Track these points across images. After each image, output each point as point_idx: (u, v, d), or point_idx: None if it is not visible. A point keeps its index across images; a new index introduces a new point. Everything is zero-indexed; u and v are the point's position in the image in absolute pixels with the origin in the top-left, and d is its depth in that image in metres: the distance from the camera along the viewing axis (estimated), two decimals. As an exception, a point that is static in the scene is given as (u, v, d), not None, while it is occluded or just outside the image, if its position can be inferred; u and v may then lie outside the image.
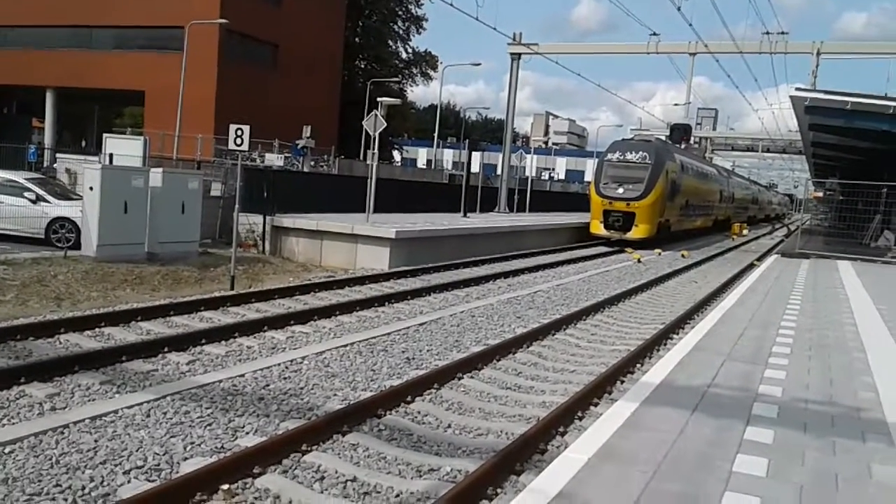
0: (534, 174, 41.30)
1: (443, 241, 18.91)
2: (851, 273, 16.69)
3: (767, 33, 30.64)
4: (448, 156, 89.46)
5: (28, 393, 6.52)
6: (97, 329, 9.07)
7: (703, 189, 35.11)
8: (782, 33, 31.06)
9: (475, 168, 31.39)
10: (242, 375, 7.54)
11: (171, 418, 6.19)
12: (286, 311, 10.80)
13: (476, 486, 4.94)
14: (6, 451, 5.31)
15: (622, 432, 4.78)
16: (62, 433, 5.69)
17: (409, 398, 7.05)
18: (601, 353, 9.67)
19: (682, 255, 24.75)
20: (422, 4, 61.44)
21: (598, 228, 26.96)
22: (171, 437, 5.80)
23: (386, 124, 19.41)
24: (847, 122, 20.16)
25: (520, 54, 34.02)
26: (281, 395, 7.04)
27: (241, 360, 8.16)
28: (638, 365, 8.82)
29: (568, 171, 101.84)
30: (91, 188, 13.89)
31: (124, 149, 19.71)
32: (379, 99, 24.11)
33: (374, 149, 19.47)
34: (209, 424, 6.12)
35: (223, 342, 8.81)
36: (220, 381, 7.28)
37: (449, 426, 6.55)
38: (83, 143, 44.87)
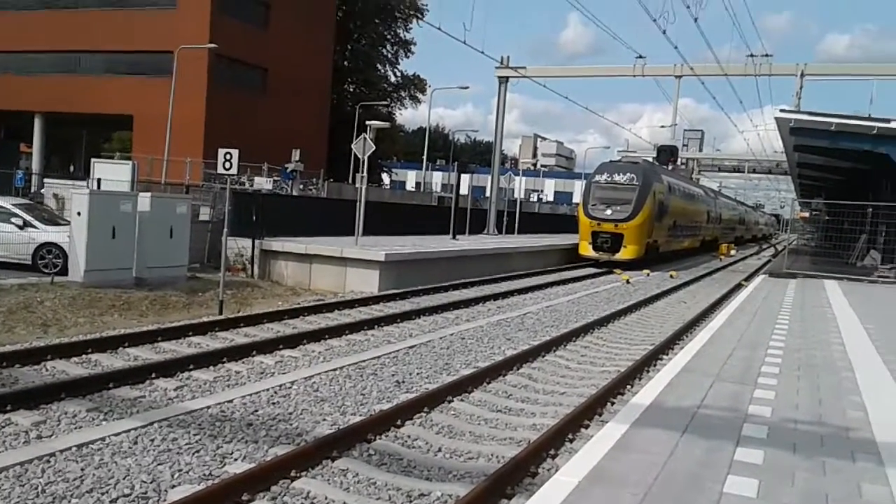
0: (522, 196, 41.50)
1: (432, 263, 18.91)
2: (838, 292, 16.78)
3: (752, 55, 31.10)
4: (437, 178, 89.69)
5: (14, 421, 6.45)
6: (84, 355, 9.00)
7: (691, 210, 35.33)
8: (766, 55, 31.52)
9: (464, 190, 31.50)
10: (231, 401, 7.49)
11: (159, 445, 6.13)
12: (275, 336, 10.75)
13: (467, 510, 4.91)
14: (-9, 480, 5.24)
15: (613, 454, 4.77)
16: (48, 461, 5.62)
17: (399, 422, 7.02)
18: (591, 375, 9.67)
19: (671, 276, 24.84)
20: (410, 28, 61.99)
21: (586, 250, 27.04)
22: (159, 464, 5.74)
23: (375, 147, 19.48)
24: (832, 142, 20.40)
25: (507, 78, 34.33)
26: (270, 421, 6.99)
27: (230, 386, 8.11)
28: (628, 386, 8.83)
29: (556, 193, 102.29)
30: (79, 213, 13.84)
31: (112, 173, 19.65)
32: (368, 122, 24.21)
33: (363, 172, 19.50)
34: (197, 451, 6.07)
35: (211, 367, 8.76)
36: (209, 407, 7.22)
37: (439, 450, 6.52)
38: (71, 168, 44.77)
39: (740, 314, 12.19)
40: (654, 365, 10.15)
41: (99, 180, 18.26)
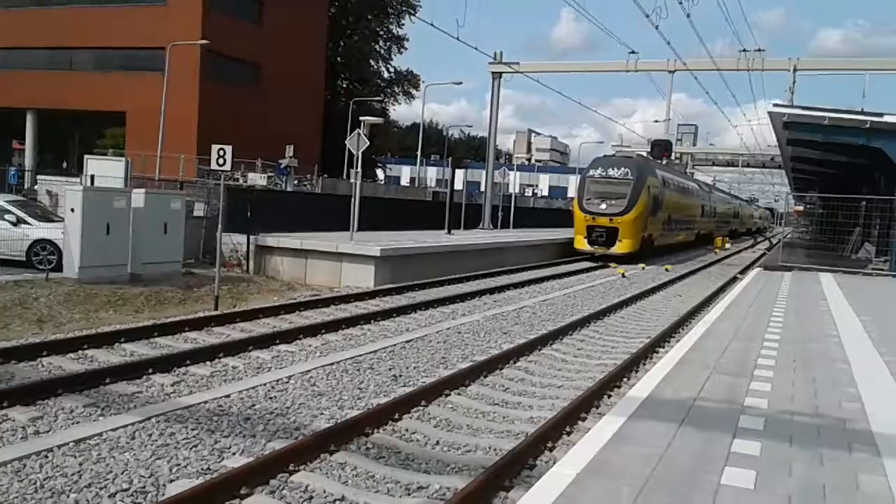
0: (517, 191, 41.55)
1: (428, 258, 18.91)
2: (833, 285, 16.85)
3: (744, 51, 31.20)
4: (431, 173, 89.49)
5: (11, 417, 6.44)
6: (80, 351, 8.97)
7: (685, 204, 35.40)
8: (759, 50, 31.65)
9: (458, 185, 31.45)
10: (228, 396, 7.49)
11: (157, 440, 6.13)
12: (271, 331, 10.74)
13: (465, 503, 4.93)
14: (-12, 476, 5.23)
15: (610, 447, 4.79)
16: (46, 457, 5.62)
17: (396, 416, 7.02)
18: (588, 368, 9.69)
19: (666, 269, 24.89)
20: (403, 24, 61.89)
21: (581, 244, 27.07)
22: (157, 459, 5.74)
23: (369, 143, 19.46)
24: (825, 136, 20.43)
25: (501, 73, 34.33)
26: (267, 415, 6.99)
27: (227, 381, 8.10)
28: (625, 379, 8.85)
29: (551, 188, 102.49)
30: (73, 210, 13.79)
31: (106, 170, 19.63)
32: (361, 118, 24.22)
33: (357, 167, 19.47)
34: (195, 446, 6.06)
35: (208, 363, 8.74)
36: (206, 402, 7.22)
37: (437, 443, 6.53)
38: (64, 165, 44.49)
39: (736, 307, 12.23)
40: (651, 358, 10.17)
41: (92, 177, 18.21)
